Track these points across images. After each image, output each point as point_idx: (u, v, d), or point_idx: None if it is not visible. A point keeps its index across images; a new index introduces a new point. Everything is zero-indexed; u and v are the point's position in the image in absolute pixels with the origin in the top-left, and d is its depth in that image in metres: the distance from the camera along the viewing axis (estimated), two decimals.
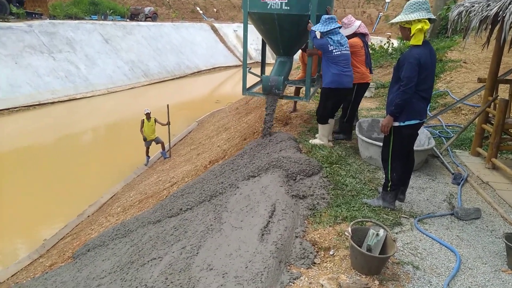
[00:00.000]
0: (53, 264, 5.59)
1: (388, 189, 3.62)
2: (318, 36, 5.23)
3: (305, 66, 6.69)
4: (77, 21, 21.47)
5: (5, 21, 18.14)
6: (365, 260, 2.63)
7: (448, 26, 4.89)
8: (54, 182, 9.02)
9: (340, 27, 5.16)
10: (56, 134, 12.99)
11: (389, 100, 3.47)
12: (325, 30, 4.99)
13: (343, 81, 5.07)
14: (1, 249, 6.82)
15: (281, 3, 5.28)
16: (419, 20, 3.19)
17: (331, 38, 4.97)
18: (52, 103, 15.67)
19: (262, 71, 6.98)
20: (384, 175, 3.69)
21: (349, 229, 2.77)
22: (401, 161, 3.58)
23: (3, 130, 12.92)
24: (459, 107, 7.04)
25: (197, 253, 3.11)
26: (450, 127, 6.40)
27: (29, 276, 5.61)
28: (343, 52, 5.02)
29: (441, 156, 5.15)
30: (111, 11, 27.39)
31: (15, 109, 14.39)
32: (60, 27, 19.58)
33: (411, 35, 3.27)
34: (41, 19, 20.43)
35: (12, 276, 5.93)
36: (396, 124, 3.44)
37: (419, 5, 3.22)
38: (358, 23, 5.59)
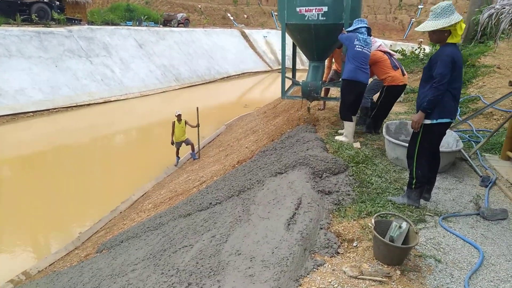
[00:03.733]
0: (88, 255, 5.86)
1: (413, 186, 3.67)
2: None
3: (330, 67, 7.28)
4: (113, 27, 22.32)
5: (47, 26, 19.12)
6: (388, 250, 2.72)
7: (478, 29, 4.88)
8: (89, 180, 9.43)
9: (367, 27, 5.41)
10: (91, 134, 13.57)
11: (421, 98, 3.52)
12: (351, 29, 5.38)
13: (358, 76, 5.31)
14: (40, 242, 7.21)
15: (318, 14, 5.67)
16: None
17: (358, 36, 5.27)
18: (88, 105, 16.35)
19: (293, 75, 7.73)
20: (409, 173, 3.76)
21: (372, 221, 2.87)
22: (427, 159, 3.64)
23: (43, 130, 13.62)
24: (491, 112, 6.94)
25: (226, 240, 3.28)
26: (481, 132, 6.32)
27: (66, 265, 5.90)
28: (364, 50, 5.29)
29: (469, 159, 5.12)
30: (146, 17, 28.35)
31: (54, 110, 15.13)
32: (97, 32, 20.42)
33: (446, 35, 3.33)
34: (80, 25, 21.37)
35: (50, 265, 6.23)
36: (428, 122, 3.48)
37: (451, 6, 3.32)
38: (378, 43, 5.93)
